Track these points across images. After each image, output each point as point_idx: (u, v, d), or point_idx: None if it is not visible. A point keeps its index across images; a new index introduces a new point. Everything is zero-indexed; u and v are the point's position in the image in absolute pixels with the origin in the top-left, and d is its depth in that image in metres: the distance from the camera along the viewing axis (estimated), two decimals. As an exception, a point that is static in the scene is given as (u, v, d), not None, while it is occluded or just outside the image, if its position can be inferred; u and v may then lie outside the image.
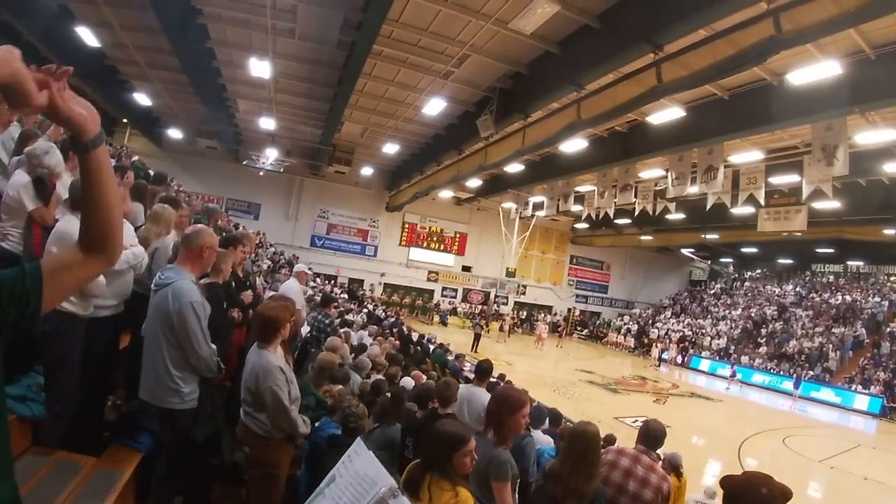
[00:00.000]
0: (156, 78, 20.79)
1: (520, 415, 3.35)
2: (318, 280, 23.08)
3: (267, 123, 23.25)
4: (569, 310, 42.75)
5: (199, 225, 4.19)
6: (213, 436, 4.13)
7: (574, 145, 18.27)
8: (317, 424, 4.56)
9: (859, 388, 24.33)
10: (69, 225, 3.46)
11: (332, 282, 29.80)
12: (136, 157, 15.61)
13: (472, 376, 7.18)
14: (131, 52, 18.41)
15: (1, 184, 4.82)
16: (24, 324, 1.33)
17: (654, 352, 32.38)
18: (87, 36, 16.63)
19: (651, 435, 3.92)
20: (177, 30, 14.35)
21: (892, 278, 34.42)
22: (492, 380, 10.00)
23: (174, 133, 28.50)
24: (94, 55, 18.80)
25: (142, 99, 23.65)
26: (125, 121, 27.82)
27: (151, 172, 12.35)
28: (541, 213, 29.70)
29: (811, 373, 26.25)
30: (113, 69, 20.84)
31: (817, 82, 11.00)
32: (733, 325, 34.80)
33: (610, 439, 9.10)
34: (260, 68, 16.40)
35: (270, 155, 28.20)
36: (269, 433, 3.74)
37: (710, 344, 33.05)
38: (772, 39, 8.72)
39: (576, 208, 24.85)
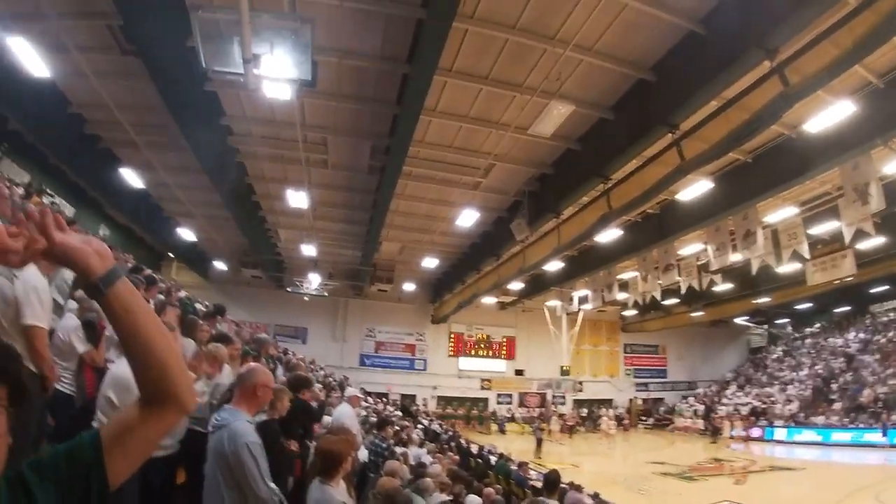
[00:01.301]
0: (199, 214, 21.74)
1: None
2: (370, 399, 22.94)
3: (308, 250, 23.90)
4: (630, 400, 41.30)
5: (254, 364, 4.30)
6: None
7: (609, 235, 18.32)
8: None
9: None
10: (124, 367, 3.51)
11: (384, 399, 29.51)
12: (183, 293, 16.16)
13: (538, 484, 7.00)
14: (174, 191, 19.44)
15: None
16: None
17: (726, 430, 30.71)
18: (132, 177, 17.62)
19: None
20: (216, 168, 15.12)
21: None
22: (562, 486, 9.70)
23: (219, 265, 29.55)
24: (140, 195, 19.77)
25: (186, 234, 24.67)
26: (171, 255, 28.91)
27: (199, 306, 12.74)
28: (587, 307, 29.41)
29: (894, 418, 24.58)
30: (157, 207, 22.01)
31: (834, 125, 11.00)
32: (802, 386, 33.15)
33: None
34: (297, 199, 17.12)
35: (314, 280, 28.77)
36: (335, 570, 3.69)
37: (782, 410, 31.41)
38: (782, 96, 8.88)
39: (621, 296, 24.59)
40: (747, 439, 29.13)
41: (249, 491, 3.52)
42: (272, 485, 3.69)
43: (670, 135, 11.14)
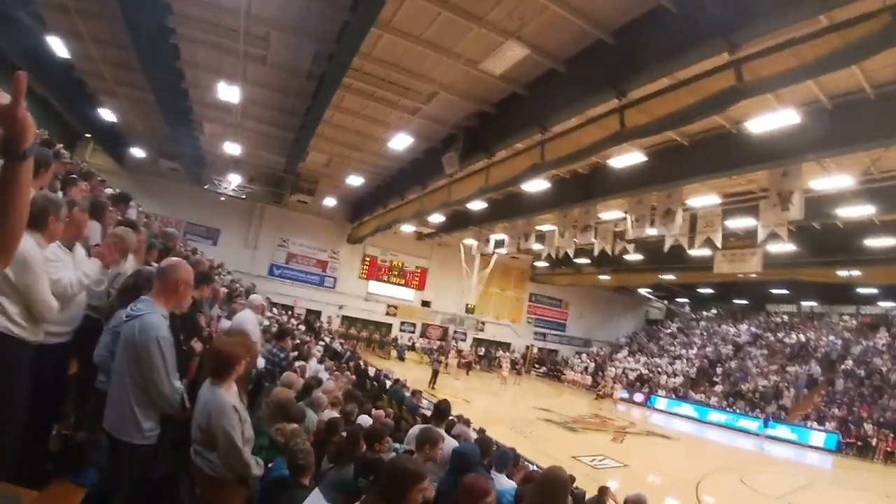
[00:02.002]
0: (122, 94, 20.41)
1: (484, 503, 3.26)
2: (274, 310, 22.72)
3: (232, 148, 22.98)
4: (527, 347, 42.86)
5: (177, 259, 4.04)
6: (171, 474, 3.96)
7: (536, 185, 18.55)
8: (269, 465, 4.41)
9: (815, 424, 24.80)
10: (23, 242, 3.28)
11: (290, 312, 29.33)
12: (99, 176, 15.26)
13: (429, 413, 7.08)
14: (100, 66, 18.03)
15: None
16: None
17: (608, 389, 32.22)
18: (58, 46, 16.29)
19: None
20: (147, 47, 14.07)
21: (844, 318, 35.45)
22: (451, 418, 9.91)
23: (137, 152, 27.95)
24: (63, 66, 18.45)
25: (107, 115, 23.14)
26: (88, 136, 27.21)
27: (109, 190, 12.05)
28: (501, 251, 29.80)
29: (769, 411, 26.61)
30: (80, 82, 20.37)
31: (775, 130, 11.40)
32: (689, 363, 35.26)
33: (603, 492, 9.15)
34: (228, 93, 16.29)
35: (233, 180, 27.84)
36: (220, 474, 3.59)
37: (667, 382, 33.38)
38: (733, 89, 9.00)
39: (536, 247, 25.02)
40: (616, 401, 30.54)
41: (153, 385, 3.41)
42: (177, 383, 3.55)
43: (616, 101, 11.09)
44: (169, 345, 3.45)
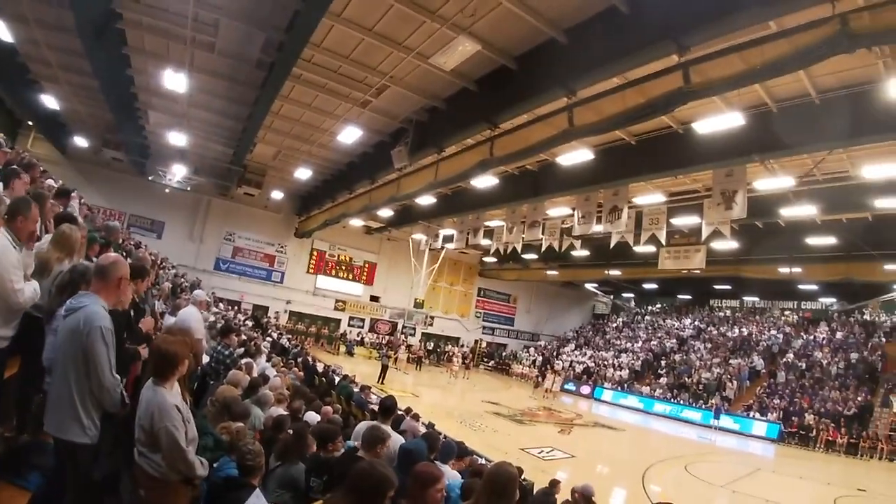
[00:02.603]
0: (66, 80, 19.64)
1: (434, 489, 3.25)
2: (220, 306, 22.29)
3: (177, 139, 22.37)
4: (476, 341, 43.15)
5: (115, 255, 3.93)
6: (112, 474, 3.84)
7: (485, 181, 18.64)
8: (215, 465, 4.31)
9: (757, 415, 25.55)
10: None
11: (236, 308, 28.79)
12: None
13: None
14: (44, 51, 17.30)
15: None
16: None
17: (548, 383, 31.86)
18: (1, 30, 15.55)
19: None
20: (92, 31, 13.60)
21: (786, 313, 36.76)
22: (398, 413, 9.88)
23: (80, 141, 26.93)
24: (6, 50, 17.72)
25: (49, 101, 22.21)
26: (30, 123, 26.14)
27: (51, 181, 11.60)
28: (450, 246, 29.94)
29: (711, 402, 27.41)
30: (23, 67, 19.50)
31: (721, 132, 11.71)
32: (634, 356, 36.05)
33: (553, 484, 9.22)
34: (175, 81, 15.77)
35: (178, 171, 27.10)
36: (164, 475, 3.49)
37: (613, 375, 34.02)
38: (680, 91, 9.16)
39: (485, 242, 25.18)
40: (554, 394, 30.74)
41: (95, 377, 3.31)
42: (117, 375, 3.44)
43: (566, 99, 11.25)
44: (111, 336, 3.36)
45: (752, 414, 25.81)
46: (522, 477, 8.69)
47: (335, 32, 12.59)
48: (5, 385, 4.12)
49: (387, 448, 5.49)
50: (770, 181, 14.28)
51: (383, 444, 5.04)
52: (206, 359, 8.13)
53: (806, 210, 15.88)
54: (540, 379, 33.38)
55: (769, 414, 25.16)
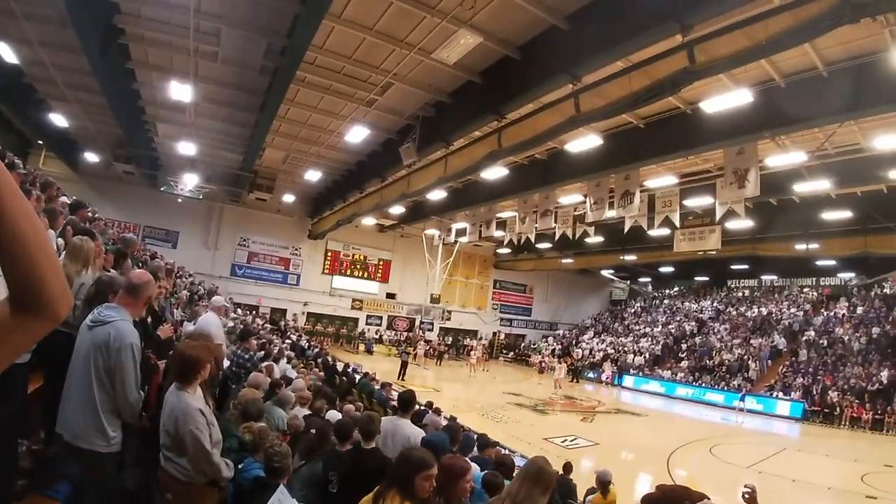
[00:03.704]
0: (74, 98, 19.85)
1: (464, 481, 3.30)
2: (238, 311, 22.46)
3: (186, 148, 22.54)
4: (494, 333, 43.14)
5: (147, 274, 4.00)
6: (143, 483, 3.91)
7: (495, 173, 18.64)
8: (240, 466, 4.39)
9: (780, 394, 25.39)
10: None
11: (254, 312, 29.01)
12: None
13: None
14: (50, 71, 17.53)
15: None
16: None
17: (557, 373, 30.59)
18: (6, 52, 15.76)
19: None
20: (96, 49, 13.75)
21: (805, 290, 36.34)
22: (420, 408, 9.96)
23: (91, 157, 27.21)
24: (11, 72, 17.93)
25: (58, 120, 22.50)
26: (40, 143, 26.44)
27: (64, 198, 11.75)
28: (463, 240, 29.92)
29: (734, 383, 27.31)
30: (30, 88, 19.76)
31: (729, 110, 11.61)
32: (654, 341, 35.92)
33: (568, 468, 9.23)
34: (180, 91, 15.92)
35: (189, 181, 27.31)
36: (190, 478, 3.57)
37: (633, 361, 33.91)
38: (685, 71, 9.13)
39: (498, 234, 25.21)
40: (560, 384, 30.35)
41: (121, 392, 3.39)
42: (141, 391, 3.54)
43: (571, 86, 11.22)
44: (139, 353, 3.45)
45: (775, 393, 25.63)
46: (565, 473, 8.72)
47: (336, 34, 12.64)
48: (31, 398, 4.20)
49: (410, 442, 5.56)
50: (782, 157, 14.16)
51: (377, 434, 5.12)
52: (226, 363, 8.23)
53: (820, 185, 15.72)
54: (543, 366, 33.20)
55: (792, 393, 24.99)
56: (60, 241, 5.53)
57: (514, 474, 5.81)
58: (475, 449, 7.64)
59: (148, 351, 4.62)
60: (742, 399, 25.66)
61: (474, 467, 6.25)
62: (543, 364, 33.79)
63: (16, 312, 1.03)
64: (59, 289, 1.07)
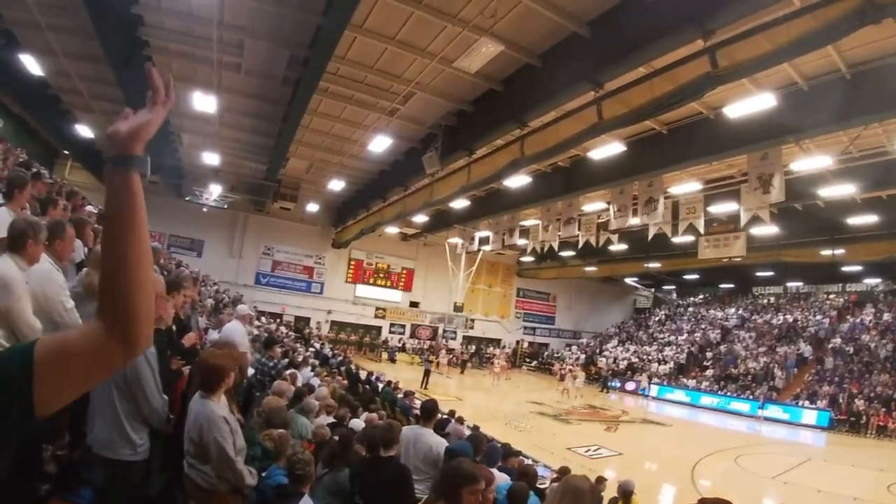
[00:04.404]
0: (98, 109, 20.12)
1: (466, 490, 2.88)
2: (262, 319, 22.62)
3: (211, 158, 22.83)
4: (517, 342, 42.96)
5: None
6: (167, 488, 3.95)
7: (518, 181, 18.62)
8: (263, 474, 4.40)
9: (806, 403, 24.94)
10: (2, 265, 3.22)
11: (278, 320, 29.19)
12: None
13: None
14: (75, 82, 17.86)
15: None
16: (13, 430, 0.98)
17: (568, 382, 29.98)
18: (31, 63, 16.14)
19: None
20: (121, 60, 13.98)
21: (831, 296, 35.68)
22: (442, 416, 9.93)
23: (116, 167, 27.62)
24: (37, 84, 18.33)
25: (84, 131, 22.89)
26: (66, 153, 26.94)
27: (90, 208, 11.94)
28: (486, 248, 29.86)
29: (760, 392, 26.87)
30: (56, 98, 20.21)
31: (753, 114, 11.45)
32: (679, 349, 35.52)
33: (564, 471, 9.16)
34: (204, 102, 16.15)
35: (214, 190, 27.65)
36: (214, 486, 3.60)
37: (658, 370, 33.56)
38: (708, 76, 9.05)
39: (521, 242, 25.10)
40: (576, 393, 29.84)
41: (144, 401, 3.39)
42: (164, 395, 3.55)
43: (593, 93, 11.19)
44: (155, 358, 3.44)
45: (801, 402, 25.19)
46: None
47: (358, 44, 12.73)
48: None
49: (432, 451, 5.55)
50: (806, 161, 13.90)
51: (396, 442, 5.11)
52: (251, 371, 8.28)
53: (845, 189, 15.42)
54: (563, 373, 32.83)
55: (819, 401, 24.55)
56: (86, 250, 5.62)
57: (538, 485, 5.77)
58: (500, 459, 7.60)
59: (174, 358, 4.67)
60: (762, 407, 25.31)
61: (501, 477, 6.24)
62: (563, 372, 33.45)
63: (100, 340, 1.06)
64: (148, 328, 1.12)
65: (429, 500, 2.91)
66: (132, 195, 1.11)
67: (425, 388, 24.60)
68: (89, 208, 11.46)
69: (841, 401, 23.80)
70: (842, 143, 13.18)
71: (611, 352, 38.82)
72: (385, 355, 36.08)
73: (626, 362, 36.13)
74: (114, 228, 1.09)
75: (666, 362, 34.09)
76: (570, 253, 31.38)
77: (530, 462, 9.97)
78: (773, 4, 7.94)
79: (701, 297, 44.72)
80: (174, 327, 4.99)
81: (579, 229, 20.72)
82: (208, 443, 3.48)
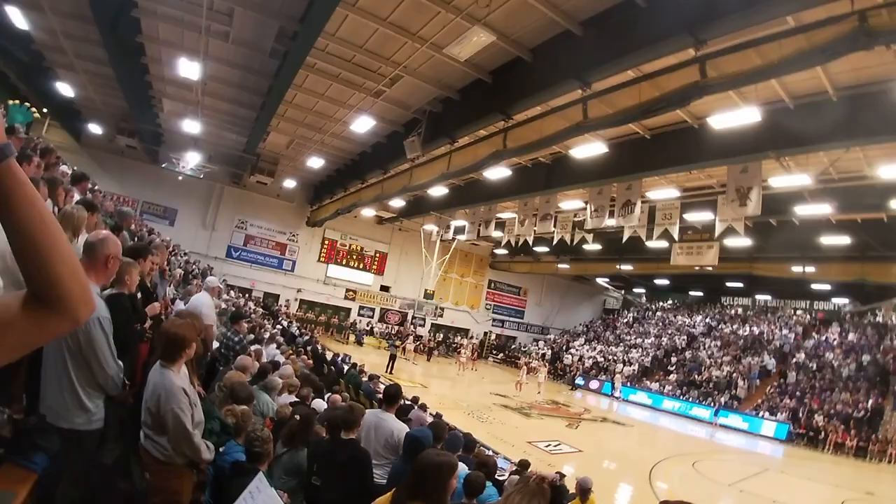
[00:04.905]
0: (81, 69, 19.73)
1: (454, 478, 3.16)
2: (231, 293, 22.40)
3: (191, 126, 22.41)
4: (485, 333, 43.18)
5: (104, 232, 3.88)
6: (122, 458, 3.87)
7: (498, 173, 18.63)
8: (221, 449, 4.34)
9: (766, 414, 25.31)
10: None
11: (247, 295, 28.94)
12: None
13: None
14: (59, 39, 17.39)
15: None
16: None
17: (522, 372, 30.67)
18: (17, 17, 15.70)
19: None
20: (108, 19, 13.72)
21: (798, 312, 36.21)
22: (406, 403, 9.93)
23: (94, 128, 27.16)
24: (22, 38, 17.91)
25: (65, 89, 22.40)
26: (45, 111, 26.30)
27: (65, 168, 11.69)
28: (462, 237, 29.88)
29: (721, 400, 27.24)
30: (39, 55, 19.73)
31: (737, 127, 11.58)
32: (644, 352, 35.94)
33: (524, 464, 9.22)
34: (189, 69, 15.82)
35: (191, 159, 27.17)
36: (170, 458, 3.53)
37: (622, 370, 33.90)
38: (696, 85, 9.14)
39: (496, 234, 25.19)
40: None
41: (97, 366, 3.25)
42: (119, 362, 3.44)
43: (580, 91, 11.22)
44: (109, 324, 3.28)
45: (761, 413, 25.61)
46: (560, 482, 8.67)
47: (350, 22, 12.58)
48: (15, 367, 4.14)
49: (393, 436, 5.53)
50: (785, 178, 14.09)
51: (357, 426, 5.08)
52: (216, 345, 8.18)
53: (821, 209, 15.73)
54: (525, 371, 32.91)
55: (779, 414, 24.98)
56: (56, 210, 5.47)
57: (497, 476, 5.77)
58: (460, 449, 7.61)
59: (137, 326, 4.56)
60: (717, 414, 25.77)
61: (461, 466, 6.23)
62: (523, 365, 33.55)
63: (34, 305, 1.04)
64: (77, 290, 1.09)
65: (397, 498, 2.82)
66: (13, 176, 1.02)
67: (390, 372, 24.60)
68: (63, 168, 11.17)
69: (801, 415, 24.23)
70: (822, 163, 13.41)
71: (577, 350, 39.15)
72: (352, 338, 35.98)
73: (591, 361, 36.48)
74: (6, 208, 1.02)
75: (631, 364, 34.47)
76: (545, 249, 31.59)
77: (490, 453, 10.00)
78: (767, 20, 7.99)
79: (670, 302, 45.24)
80: (139, 294, 4.88)
81: (555, 226, 20.79)
82: (165, 413, 3.42)
